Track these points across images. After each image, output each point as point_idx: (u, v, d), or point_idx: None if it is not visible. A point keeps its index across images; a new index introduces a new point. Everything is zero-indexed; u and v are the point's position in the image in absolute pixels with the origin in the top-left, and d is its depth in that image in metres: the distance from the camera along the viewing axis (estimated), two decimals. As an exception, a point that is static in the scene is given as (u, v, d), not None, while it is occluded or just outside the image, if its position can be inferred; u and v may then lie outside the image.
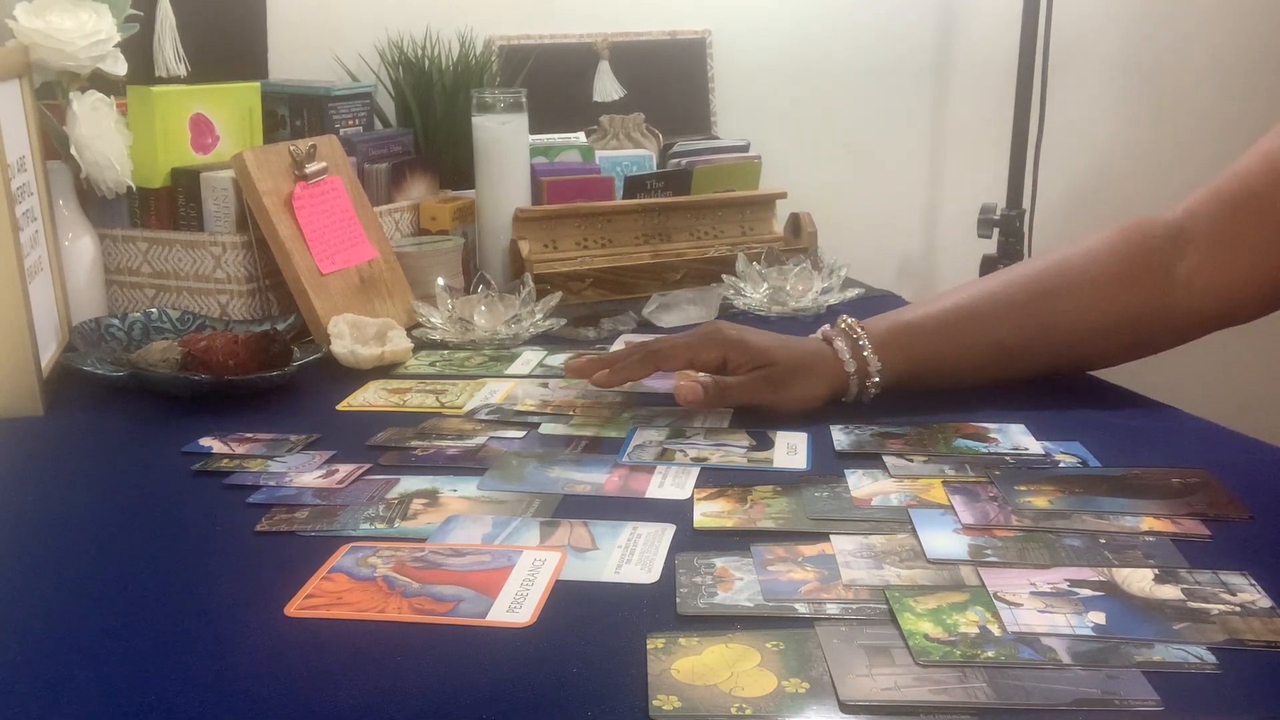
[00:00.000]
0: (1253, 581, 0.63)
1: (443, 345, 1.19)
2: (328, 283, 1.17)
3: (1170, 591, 0.62)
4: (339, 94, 1.44)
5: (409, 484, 0.81)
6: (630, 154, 1.63)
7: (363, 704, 0.53)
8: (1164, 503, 0.74)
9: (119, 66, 1.18)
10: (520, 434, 0.92)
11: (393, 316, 1.21)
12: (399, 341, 1.13)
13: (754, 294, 1.29)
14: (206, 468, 0.85)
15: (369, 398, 1.02)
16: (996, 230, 1.89)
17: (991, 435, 0.88)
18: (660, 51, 1.83)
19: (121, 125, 1.19)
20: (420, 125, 1.56)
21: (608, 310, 1.30)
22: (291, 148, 1.20)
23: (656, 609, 0.62)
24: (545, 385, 1.04)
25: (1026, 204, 1.91)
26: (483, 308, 1.21)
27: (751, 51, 1.90)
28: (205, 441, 0.90)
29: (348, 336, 1.11)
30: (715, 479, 0.81)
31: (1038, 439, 0.87)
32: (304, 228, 1.17)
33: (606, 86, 1.79)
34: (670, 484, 0.80)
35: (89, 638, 0.61)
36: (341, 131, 1.41)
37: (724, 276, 1.31)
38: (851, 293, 1.33)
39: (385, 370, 1.10)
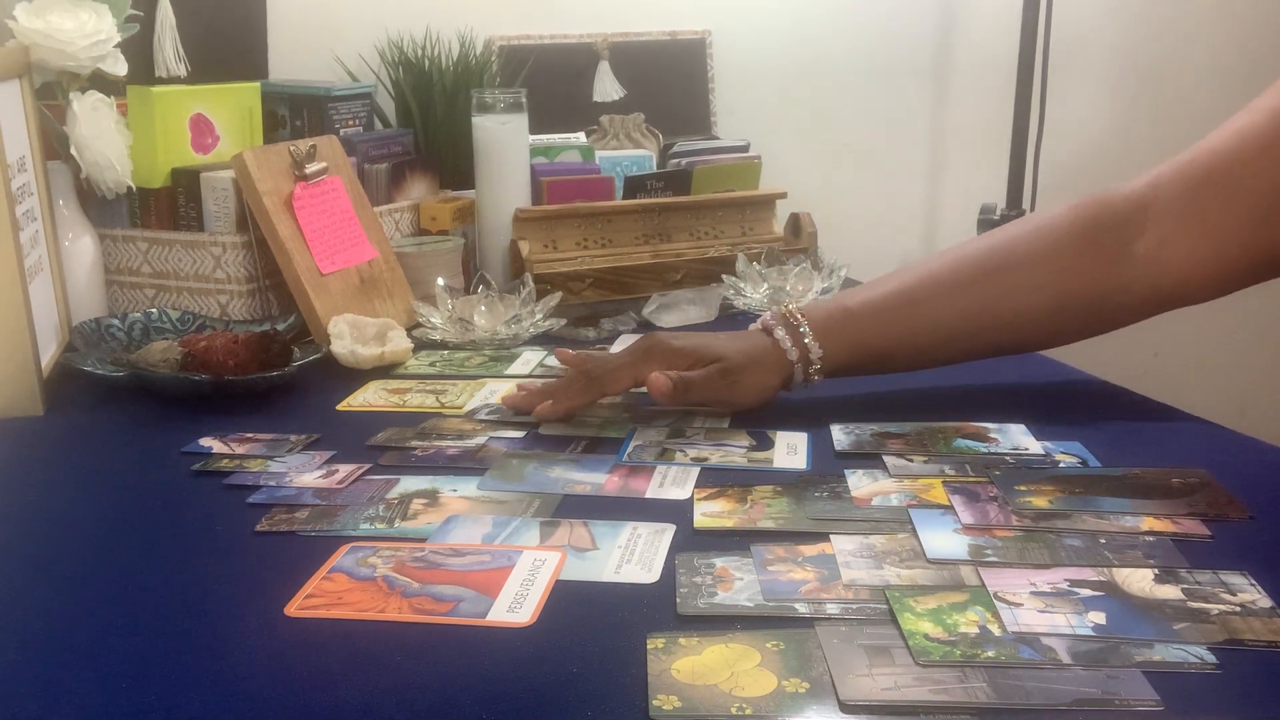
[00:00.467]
0: (1253, 581, 0.63)
1: (443, 345, 1.19)
2: (328, 283, 1.17)
3: (1170, 591, 0.62)
4: (339, 94, 1.44)
5: (409, 484, 0.81)
6: (630, 154, 1.63)
7: (363, 704, 0.53)
8: (1164, 503, 0.74)
9: (119, 66, 1.18)
10: (520, 434, 0.92)
11: (393, 316, 1.21)
12: (399, 341, 1.13)
13: (754, 294, 1.29)
14: (206, 468, 0.85)
15: (369, 398, 1.02)
16: (996, 230, 1.89)
17: (991, 435, 0.88)
18: (660, 51, 1.83)
19: (121, 125, 1.19)
20: (420, 125, 1.56)
21: (608, 310, 1.30)
22: (291, 148, 1.20)
23: (656, 609, 0.62)
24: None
25: (1026, 204, 1.91)
26: (483, 308, 1.21)
27: (751, 51, 1.90)
28: (205, 441, 0.90)
29: (348, 336, 1.11)
30: (715, 479, 0.81)
31: (1038, 439, 0.86)
32: (304, 228, 1.17)
33: (606, 86, 1.79)
34: (670, 484, 0.80)
35: (89, 638, 0.61)
36: (341, 131, 1.41)
37: (724, 276, 1.31)
38: (851, 293, 1.33)
39: (385, 370, 1.10)
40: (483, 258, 1.38)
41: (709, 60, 1.86)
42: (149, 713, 0.53)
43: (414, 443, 0.90)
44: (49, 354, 1.06)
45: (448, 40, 1.65)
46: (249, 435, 0.92)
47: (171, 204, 1.22)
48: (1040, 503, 0.74)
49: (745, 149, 1.62)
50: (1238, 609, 0.60)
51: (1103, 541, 0.69)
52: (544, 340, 1.21)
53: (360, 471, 0.84)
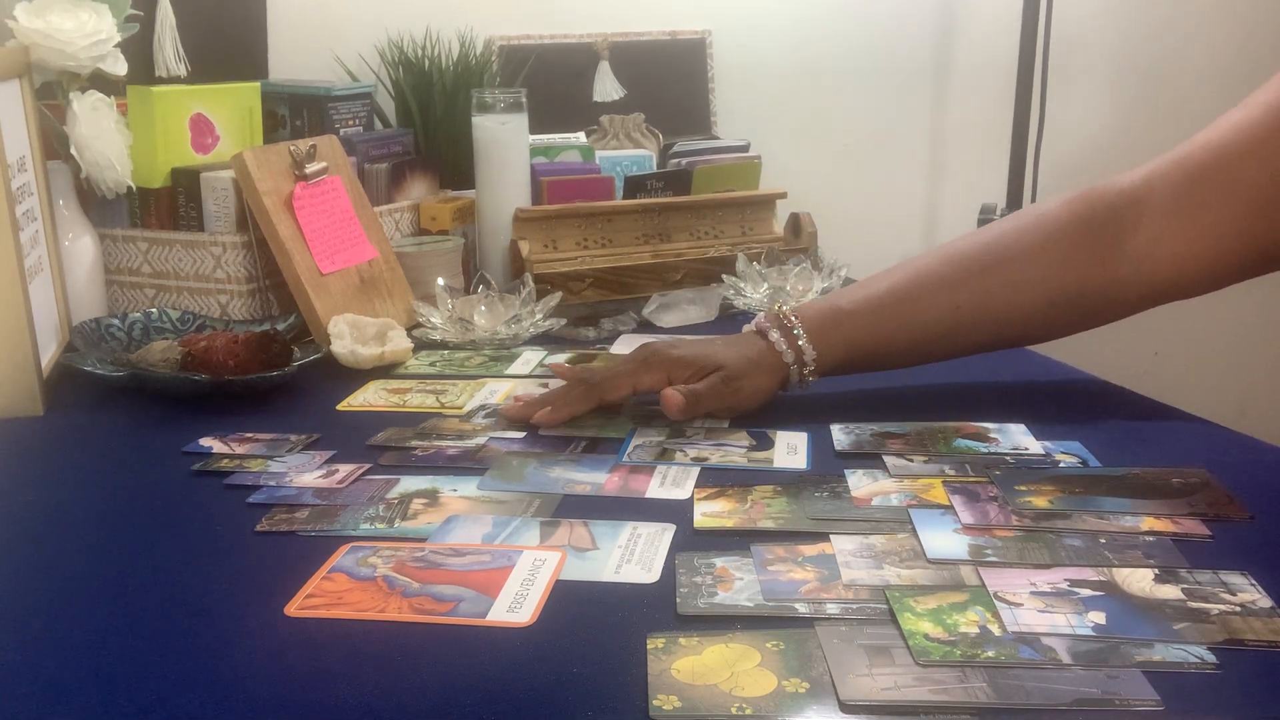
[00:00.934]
0: (1253, 581, 0.63)
1: (443, 345, 1.19)
2: (328, 283, 1.17)
3: (1170, 591, 0.62)
4: (339, 94, 1.44)
5: (409, 484, 0.81)
6: (630, 154, 1.63)
7: (363, 704, 0.53)
8: (1164, 503, 0.74)
9: (119, 66, 1.18)
10: (520, 434, 0.92)
11: (393, 316, 1.21)
12: (399, 341, 1.13)
13: (754, 294, 1.29)
14: (206, 468, 0.85)
15: (369, 398, 1.02)
16: (996, 230, 1.89)
17: (991, 435, 0.88)
18: (660, 51, 1.83)
19: (121, 125, 1.19)
20: (420, 125, 1.56)
21: (608, 310, 1.30)
22: (291, 148, 1.20)
23: (656, 609, 0.62)
24: (545, 386, 1.04)
25: (1026, 203, 1.91)
26: (483, 308, 1.21)
27: (751, 51, 1.90)
28: (205, 441, 0.90)
29: (348, 336, 1.11)
30: (715, 479, 0.81)
31: (1038, 439, 0.86)
32: (304, 228, 1.17)
33: (606, 86, 1.79)
34: (670, 484, 0.80)
35: (89, 638, 0.61)
36: (341, 131, 1.41)
37: (724, 276, 1.31)
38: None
39: (385, 370, 1.10)
40: (483, 258, 1.38)
41: (709, 60, 1.86)
42: (149, 713, 0.53)
43: (414, 443, 0.90)
44: (49, 354, 1.06)
45: (448, 40, 1.65)
46: (249, 435, 0.92)
47: (171, 204, 1.22)
48: (1040, 503, 0.74)
49: (745, 149, 1.62)
50: (1238, 609, 0.60)
51: (1103, 541, 0.69)
52: (544, 340, 1.21)
53: (360, 471, 0.84)
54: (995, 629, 0.59)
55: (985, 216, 1.88)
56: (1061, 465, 0.82)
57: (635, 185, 1.41)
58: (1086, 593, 0.63)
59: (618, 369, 0.94)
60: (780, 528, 0.72)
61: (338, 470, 0.84)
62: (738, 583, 0.65)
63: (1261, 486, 0.77)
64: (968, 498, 0.75)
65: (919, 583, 0.64)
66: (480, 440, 0.90)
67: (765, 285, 1.29)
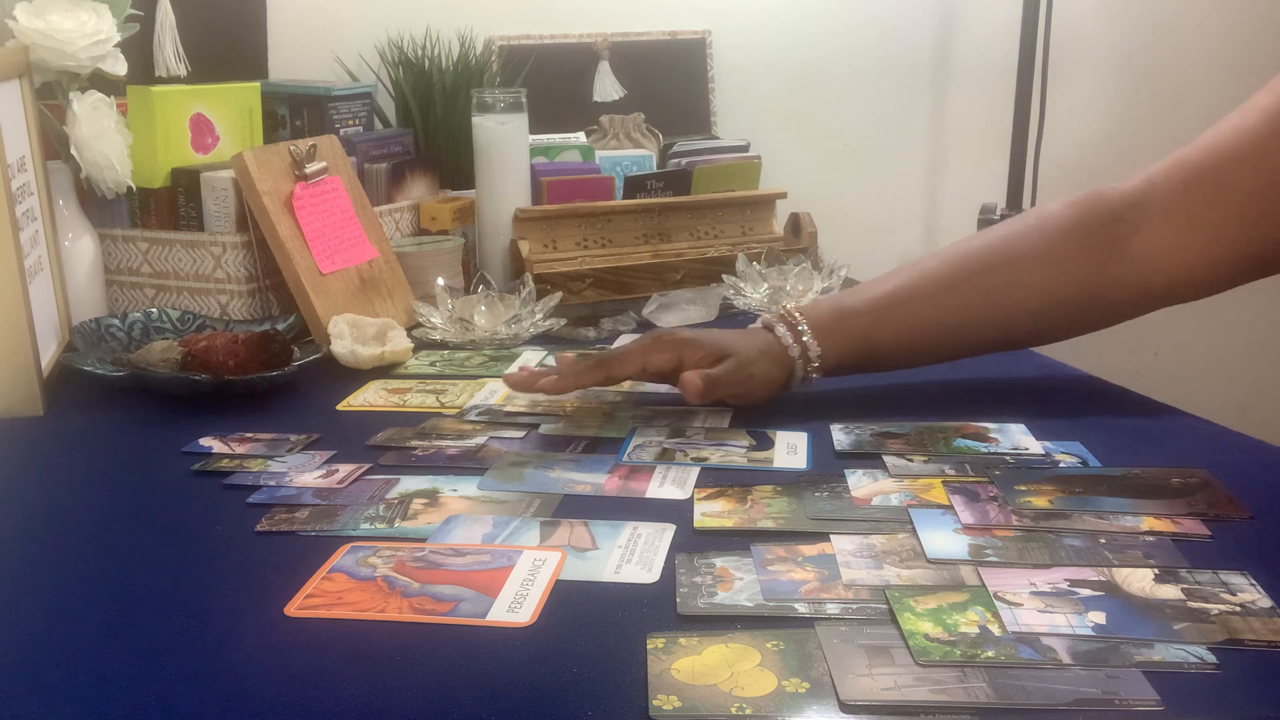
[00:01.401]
0: (1253, 581, 0.63)
1: (443, 345, 1.19)
2: (328, 283, 1.17)
3: (1170, 591, 0.62)
4: (339, 94, 1.44)
5: (409, 484, 0.81)
6: (630, 154, 1.63)
7: (363, 704, 0.53)
8: (1164, 503, 0.74)
9: (119, 66, 1.18)
10: (520, 434, 0.92)
11: (393, 316, 1.21)
12: (399, 341, 1.13)
13: (754, 294, 1.29)
14: (206, 468, 0.85)
15: (369, 398, 1.02)
16: (996, 230, 1.89)
17: (991, 435, 0.88)
18: (660, 51, 1.83)
19: (121, 125, 1.19)
20: (420, 125, 1.56)
21: (608, 310, 1.30)
22: (291, 148, 1.20)
23: (656, 609, 0.62)
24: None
25: (1026, 203, 1.90)
26: (483, 308, 1.21)
27: (751, 51, 1.90)
28: (205, 441, 0.90)
29: (348, 336, 1.11)
30: (715, 479, 0.81)
31: (1038, 439, 0.86)
32: (304, 228, 1.17)
33: (606, 86, 1.79)
34: (670, 484, 0.80)
35: (89, 638, 0.61)
36: (341, 131, 1.41)
37: (724, 276, 1.31)
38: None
39: (385, 370, 1.10)
40: (483, 258, 1.38)
41: (709, 60, 1.86)
42: (149, 713, 0.53)
43: (414, 442, 0.90)
44: (49, 354, 1.06)
45: (448, 40, 1.65)
46: (249, 435, 0.92)
47: (171, 204, 1.22)
48: (1040, 503, 0.74)
49: (745, 149, 1.62)
50: (1238, 609, 0.60)
51: (1103, 541, 0.69)
52: (544, 340, 1.21)
53: (360, 471, 0.84)
54: (995, 629, 0.59)
55: (985, 216, 1.88)
56: (1061, 465, 0.82)
57: (635, 185, 1.41)
58: (1086, 593, 0.63)
59: (628, 347, 0.94)
60: (780, 528, 0.72)
61: (338, 470, 0.84)
62: (738, 583, 0.65)
63: (1261, 486, 0.77)
64: (968, 498, 0.75)
65: (919, 583, 0.64)
66: (480, 440, 0.90)
67: (765, 285, 1.29)
